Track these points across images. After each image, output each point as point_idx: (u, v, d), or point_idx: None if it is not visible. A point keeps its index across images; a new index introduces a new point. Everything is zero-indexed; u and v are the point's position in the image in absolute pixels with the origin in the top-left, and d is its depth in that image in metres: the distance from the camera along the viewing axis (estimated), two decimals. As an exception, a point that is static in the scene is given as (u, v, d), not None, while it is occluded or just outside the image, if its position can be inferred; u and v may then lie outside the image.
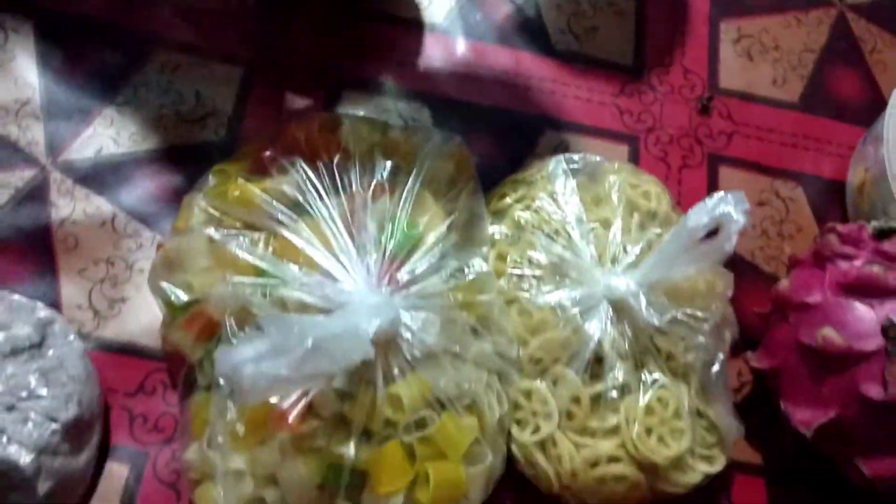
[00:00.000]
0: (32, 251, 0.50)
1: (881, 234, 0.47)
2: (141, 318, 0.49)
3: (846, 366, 0.44)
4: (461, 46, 0.60)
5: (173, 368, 0.48)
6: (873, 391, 0.43)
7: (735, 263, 0.55)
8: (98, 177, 0.52)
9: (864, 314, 0.44)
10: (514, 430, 0.45)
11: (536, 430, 0.45)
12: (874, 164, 0.54)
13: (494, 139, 0.57)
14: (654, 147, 0.58)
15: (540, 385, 0.45)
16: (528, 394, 0.45)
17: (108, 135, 0.54)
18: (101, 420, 0.46)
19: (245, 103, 0.56)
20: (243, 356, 0.32)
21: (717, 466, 0.46)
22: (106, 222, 0.51)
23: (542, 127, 0.58)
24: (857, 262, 0.46)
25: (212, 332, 0.43)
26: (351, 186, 0.46)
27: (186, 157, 0.53)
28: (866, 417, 0.44)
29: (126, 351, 0.49)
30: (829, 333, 0.44)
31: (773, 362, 0.47)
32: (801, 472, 0.51)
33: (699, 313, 0.46)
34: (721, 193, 0.43)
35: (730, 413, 0.47)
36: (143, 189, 0.52)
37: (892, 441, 0.44)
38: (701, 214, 0.43)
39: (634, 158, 0.58)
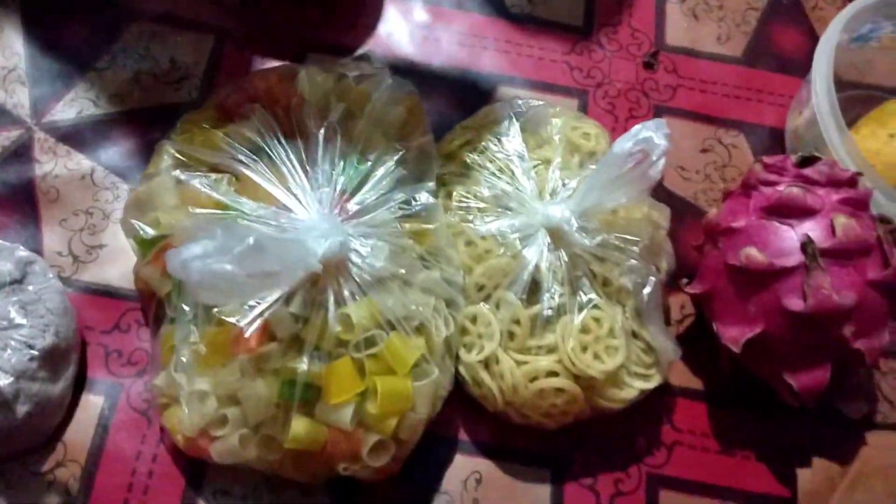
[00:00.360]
0: (17, 203, 0.54)
1: (803, 162, 0.50)
2: (117, 263, 0.53)
3: (769, 282, 0.47)
4: (420, 11, 0.64)
5: (145, 306, 0.51)
6: (794, 304, 0.46)
7: (678, 205, 0.58)
8: (79, 135, 0.56)
9: (785, 233, 0.47)
10: (462, 353, 0.48)
11: (481, 350, 0.48)
12: (807, 107, 0.57)
13: (451, 96, 0.61)
14: (602, 100, 0.62)
15: (484, 309, 0.48)
16: (473, 318, 0.49)
17: (89, 97, 0.58)
18: (77, 353, 0.49)
19: (217, 67, 0.60)
20: (192, 253, 0.36)
21: (653, 384, 0.49)
22: (86, 176, 0.55)
23: (496, 84, 0.62)
24: (780, 188, 0.49)
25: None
26: (307, 129, 0.49)
27: (161, 117, 0.57)
28: (789, 330, 0.46)
29: (103, 293, 0.52)
30: (751, 252, 0.47)
31: (705, 287, 0.50)
32: (740, 396, 0.54)
33: (630, 237, 0.49)
34: (644, 122, 0.46)
35: (664, 335, 0.50)
36: (120, 146, 0.56)
37: (815, 353, 0.47)
38: (625, 141, 0.46)
39: (584, 111, 0.61)
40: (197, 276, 0.36)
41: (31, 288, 0.48)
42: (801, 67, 0.65)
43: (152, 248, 0.48)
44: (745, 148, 0.61)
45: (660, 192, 0.58)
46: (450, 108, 0.60)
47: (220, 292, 0.38)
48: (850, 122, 0.58)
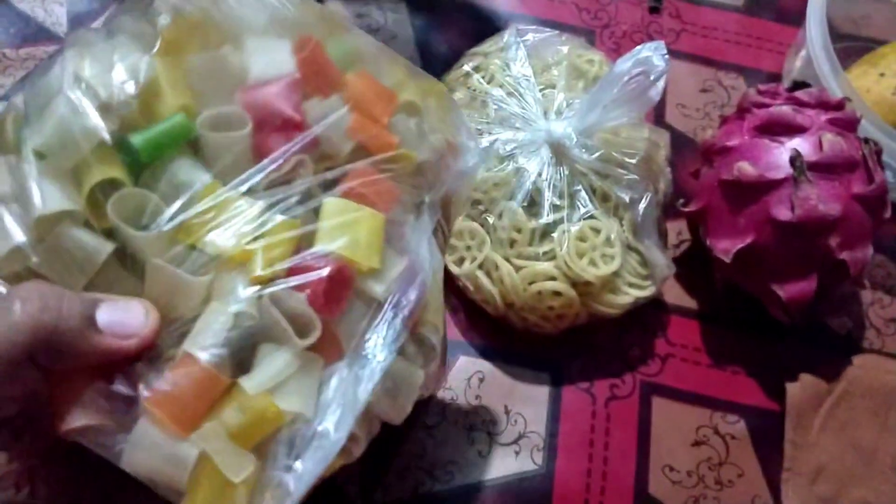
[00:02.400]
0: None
1: (795, 87, 0.53)
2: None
3: (759, 195, 0.49)
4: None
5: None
6: (783, 214, 0.48)
7: (678, 139, 0.61)
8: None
9: (775, 149, 0.50)
10: (453, 266, 0.52)
11: (473, 259, 0.51)
12: (804, 48, 0.60)
13: (463, 30, 0.64)
14: (609, 41, 0.65)
15: (464, 223, 0.51)
16: (458, 234, 0.52)
17: (122, 21, 0.61)
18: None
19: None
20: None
21: (647, 292, 0.52)
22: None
23: (507, 21, 0.65)
24: (772, 109, 0.51)
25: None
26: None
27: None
28: (778, 240, 0.49)
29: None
30: (743, 166, 0.50)
31: (700, 204, 0.53)
32: (732, 316, 0.56)
33: (628, 150, 0.52)
34: (644, 44, 0.49)
35: (659, 250, 0.53)
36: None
37: (801, 263, 0.50)
38: (626, 61, 0.49)
39: (590, 51, 0.64)
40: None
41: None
42: (799, 18, 0.67)
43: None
44: (744, 89, 0.64)
45: (661, 127, 0.61)
46: (460, 41, 0.63)
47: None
48: (844, 68, 0.61)
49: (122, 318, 0.29)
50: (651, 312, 0.55)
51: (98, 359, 0.28)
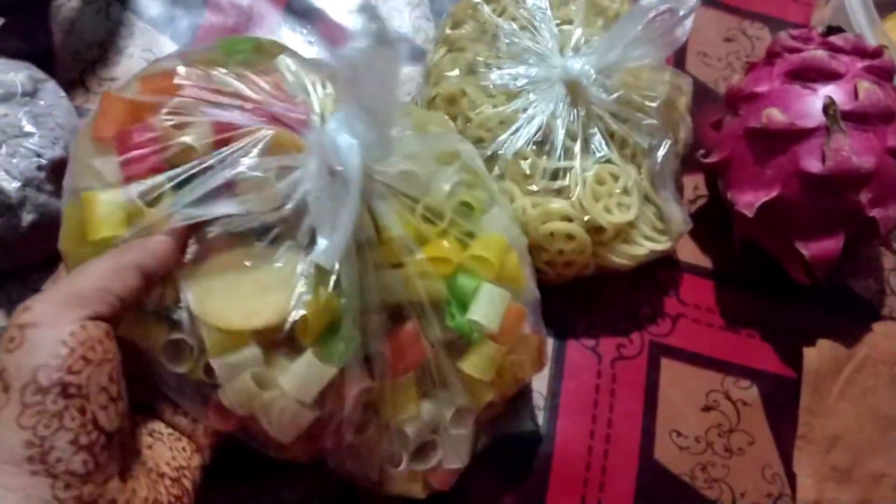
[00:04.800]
0: (31, 33, 0.53)
1: (829, 31, 0.49)
2: (129, 98, 0.52)
3: (788, 145, 0.46)
4: None
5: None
6: (812, 165, 0.45)
7: (699, 89, 0.57)
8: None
9: (807, 96, 0.47)
10: None
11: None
12: (834, -2, 0.56)
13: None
14: (628, -16, 0.61)
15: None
16: None
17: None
18: (85, 174, 0.49)
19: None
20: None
21: (662, 245, 0.48)
22: (101, 10, 0.54)
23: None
24: (805, 54, 0.48)
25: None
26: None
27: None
28: (805, 194, 0.46)
29: (113, 124, 0.51)
30: (772, 112, 0.46)
31: (722, 154, 0.50)
32: (749, 277, 0.53)
33: (648, 94, 0.48)
34: (673, -21, 0.45)
35: (676, 203, 0.49)
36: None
37: (829, 220, 0.46)
38: (654, -4, 0.45)
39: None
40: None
41: (42, 102, 0.47)
42: (829, -29, 0.64)
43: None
44: (769, 40, 0.61)
45: (680, 76, 0.57)
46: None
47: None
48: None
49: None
50: (663, 270, 0.52)
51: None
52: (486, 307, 0.37)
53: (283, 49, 0.41)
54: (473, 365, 0.37)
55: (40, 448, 0.27)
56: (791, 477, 0.48)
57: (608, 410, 0.49)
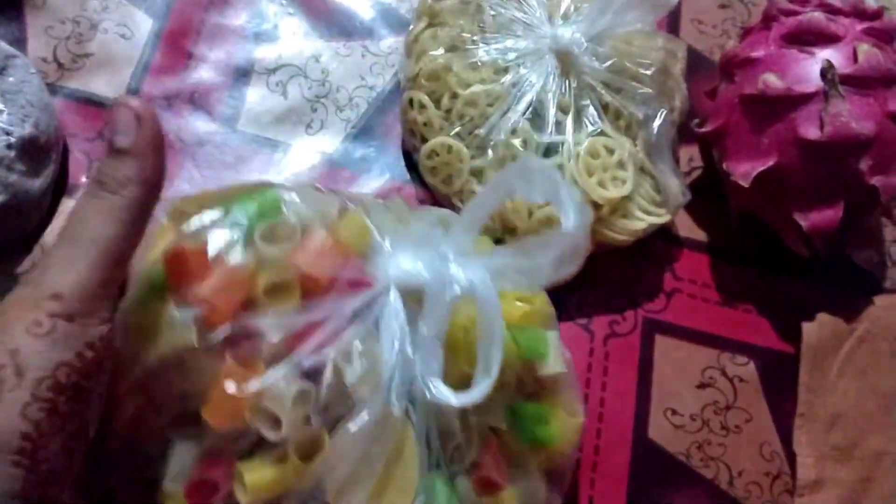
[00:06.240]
0: (2, 8, 0.51)
1: (827, -7, 0.47)
2: (104, 73, 0.51)
3: (785, 111, 0.44)
4: None
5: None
6: (811, 132, 0.44)
7: (693, 57, 0.55)
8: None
9: (804, 60, 0.45)
10: (441, 186, 0.48)
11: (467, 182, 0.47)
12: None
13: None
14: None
15: (449, 141, 0.46)
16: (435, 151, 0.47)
17: None
18: (58, 153, 0.47)
19: None
20: None
21: (661, 219, 0.47)
22: (73, -16, 0.52)
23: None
24: (802, 16, 0.46)
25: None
26: None
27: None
28: (803, 162, 0.44)
29: (87, 101, 0.50)
30: (769, 78, 0.44)
31: (717, 123, 0.48)
32: (745, 250, 0.52)
33: (642, 61, 0.46)
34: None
35: (674, 174, 0.48)
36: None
37: (828, 188, 0.45)
38: (643, -47, 0.43)
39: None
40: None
41: (11, 79, 0.46)
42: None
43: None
44: (764, 6, 0.58)
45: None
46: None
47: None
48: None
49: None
50: (656, 244, 0.51)
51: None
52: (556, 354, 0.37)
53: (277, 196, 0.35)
54: None
55: (34, 444, 0.25)
56: (790, 455, 0.46)
57: (601, 389, 0.47)
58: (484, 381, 0.29)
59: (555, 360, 0.37)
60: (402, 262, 0.32)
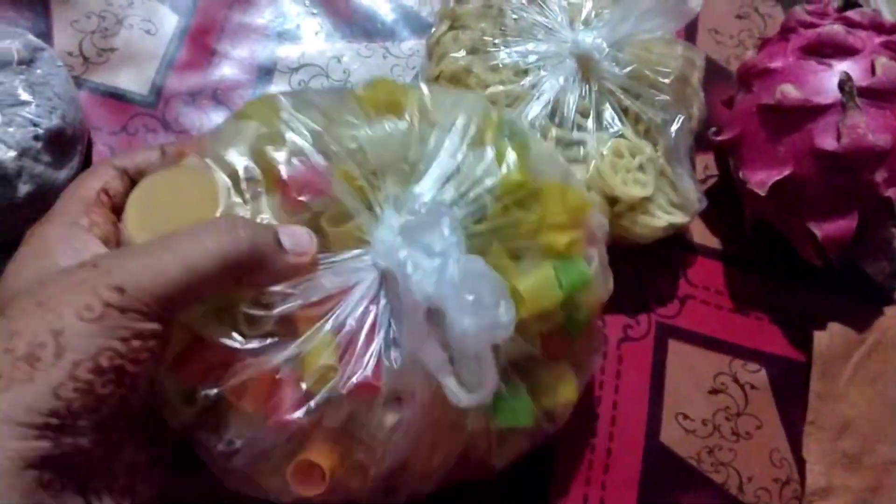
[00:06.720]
0: (29, 2, 0.52)
1: (846, 6, 0.48)
2: (128, 68, 0.51)
3: (802, 122, 0.45)
4: None
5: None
6: (827, 143, 0.44)
7: (709, 67, 0.56)
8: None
9: (822, 72, 0.45)
10: None
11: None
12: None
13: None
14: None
15: None
16: None
17: None
18: (83, 145, 0.48)
19: None
20: None
21: (681, 220, 0.47)
22: (100, -21, 0.53)
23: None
24: (821, 29, 0.47)
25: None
26: None
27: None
28: (819, 172, 0.45)
29: (112, 95, 0.51)
30: (787, 89, 0.45)
31: (734, 132, 0.48)
32: (759, 258, 0.52)
33: (661, 69, 0.47)
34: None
35: (692, 180, 0.48)
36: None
37: (843, 199, 0.45)
38: (667, -35, 0.44)
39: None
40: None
41: (39, 71, 0.46)
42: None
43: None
44: (781, 18, 0.58)
45: (691, 53, 0.56)
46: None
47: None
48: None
49: (296, 238, 0.31)
50: (671, 250, 0.51)
51: (287, 274, 0.31)
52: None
53: None
54: None
55: (61, 422, 0.25)
56: (799, 461, 0.47)
57: (613, 392, 0.48)
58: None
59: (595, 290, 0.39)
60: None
